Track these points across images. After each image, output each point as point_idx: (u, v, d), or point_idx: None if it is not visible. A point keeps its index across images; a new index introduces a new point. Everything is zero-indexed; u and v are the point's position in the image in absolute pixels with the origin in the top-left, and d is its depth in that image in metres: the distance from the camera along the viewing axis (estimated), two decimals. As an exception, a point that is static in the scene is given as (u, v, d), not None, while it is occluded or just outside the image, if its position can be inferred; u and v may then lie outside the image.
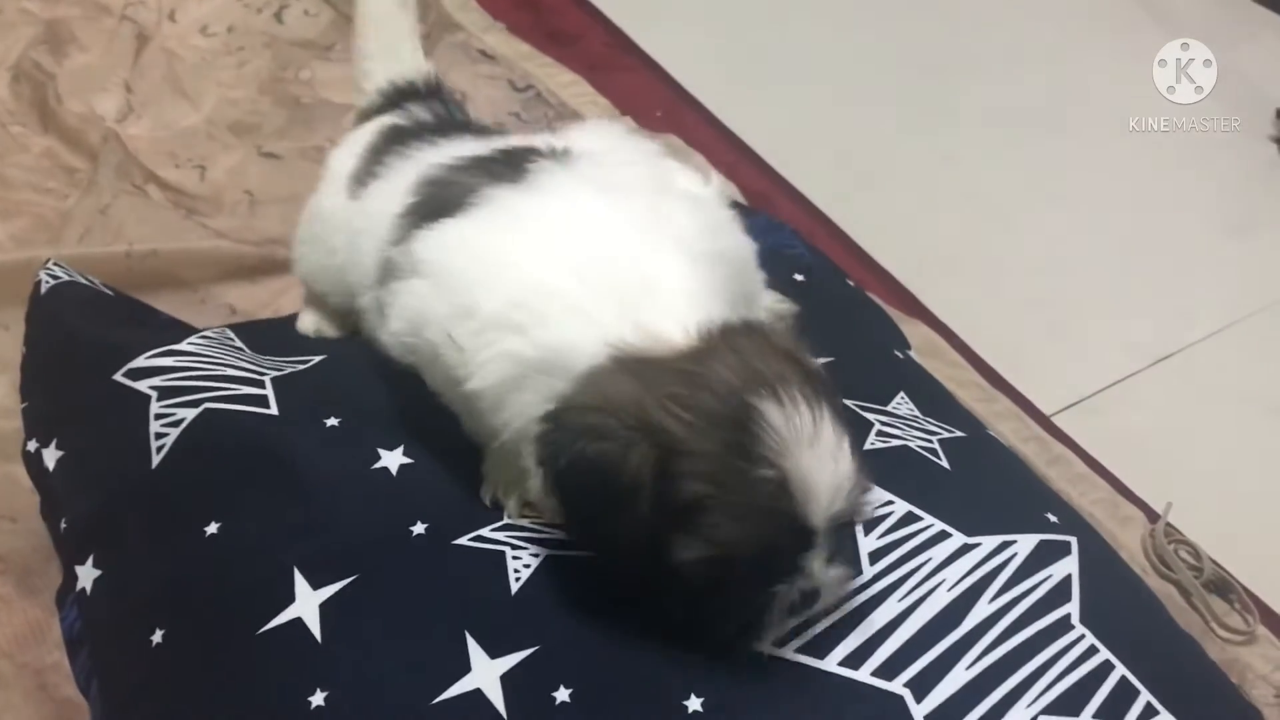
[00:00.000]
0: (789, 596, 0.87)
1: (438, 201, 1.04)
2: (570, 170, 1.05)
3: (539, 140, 1.11)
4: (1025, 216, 1.93)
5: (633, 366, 0.87)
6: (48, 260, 1.27)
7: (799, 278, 1.32)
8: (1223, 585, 1.38)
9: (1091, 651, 0.95)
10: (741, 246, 1.10)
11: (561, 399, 0.88)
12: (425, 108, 1.30)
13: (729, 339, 0.88)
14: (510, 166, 1.04)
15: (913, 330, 1.56)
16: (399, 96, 1.33)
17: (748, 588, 0.86)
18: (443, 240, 1.00)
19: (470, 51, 2.02)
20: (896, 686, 0.89)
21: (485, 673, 0.88)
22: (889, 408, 1.15)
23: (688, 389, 0.84)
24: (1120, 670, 0.94)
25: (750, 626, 0.88)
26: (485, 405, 0.94)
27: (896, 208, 1.90)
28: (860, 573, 0.94)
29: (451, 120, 1.29)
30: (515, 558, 0.95)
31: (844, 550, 0.90)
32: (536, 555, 0.95)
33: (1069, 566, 1.01)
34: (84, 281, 1.25)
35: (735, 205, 1.59)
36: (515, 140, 1.14)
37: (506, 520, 0.98)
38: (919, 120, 2.07)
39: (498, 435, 0.95)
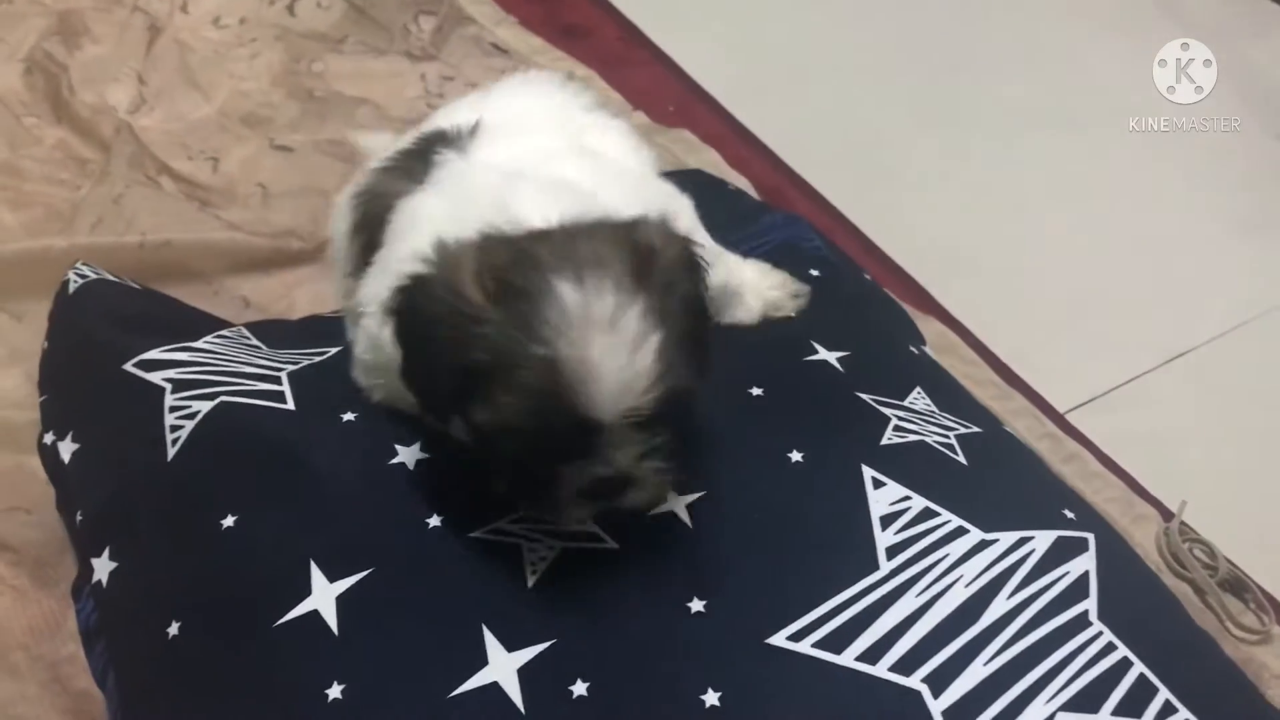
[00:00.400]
0: (580, 478, 0.87)
1: (369, 219, 1.09)
2: (468, 157, 1.07)
3: (453, 120, 1.14)
4: (1039, 214, 1.92)
5: (486, 241, 0.89)
6: (77, 262, 1.28)
7: (815, 272, 1.32)
8: (1238, 584, 1.37)
9: (1110, 648, 0.95)
10: (654, 198, 1.06)
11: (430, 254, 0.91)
12: None
13: (585, 227, 0.89)
14: (422, 161, 1.08)
15: (927, 327, 1.55)
16: None
17: (535, 462, 0.87)
18: (371, 275, 1.04)
19: (483, 45, 2.02)
20: (914, 682, 0.89)
21: (502, 666, 0.88)
22: (905, 402, 1.15)
23: (508, 262, 0.86)
24: (1139, 667, 0.94)
25: (548, 501, 0.89)
26: None
27: (910, 204, 1.90)
28: (678, 469, 0.92)
29: None
30: (532, 550, 0.95)
31: (659, 447, 0.88)
32: (553, 548, 0.95)
33: (1086, 563, 1.01)
34: (112, 279, 1.25)
35: (754, 200, 1.60)
36: (437, 121, 1.17)
37: (521, 512, 0.98)
38: (934, 117, 2.07)
39: None
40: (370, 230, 1.08)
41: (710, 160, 1.84)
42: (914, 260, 1.78)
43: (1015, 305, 1.75)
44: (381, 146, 1.42)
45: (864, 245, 1.79)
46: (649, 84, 2.03)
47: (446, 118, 1.17)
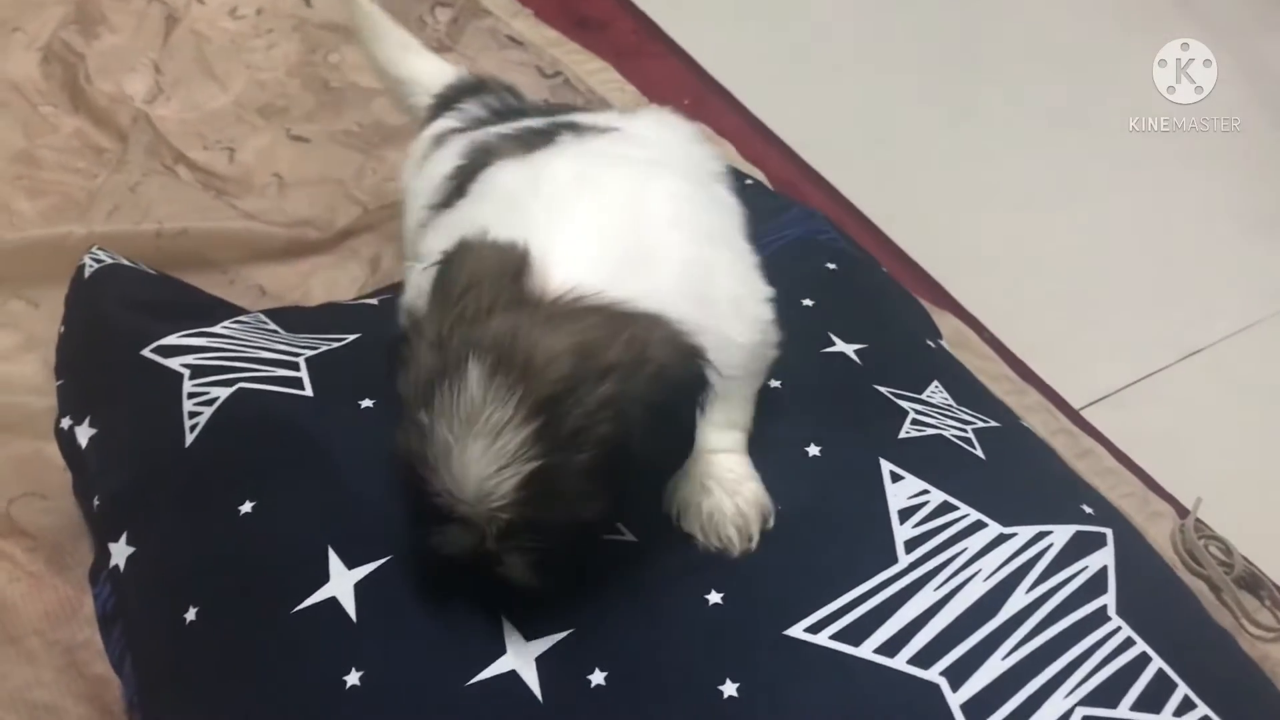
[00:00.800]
0: (446, 540, 0.84)
1: (470, 169, 1.08)
2: (581, 140, 1.07)
3: (599, 119, 1.14)
4: (1055, 210, 1.91)
5: (500, 270, 0.86)
6: (93, 246, 1.28)
7: (831, 265, 1.32)
8: (1253, 581, 1.36)
9: (1129, 643, 0.94)
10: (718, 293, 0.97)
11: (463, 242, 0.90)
12: (478, 101, 1.32)
13: (570, 313, 0.84)
14: (544, 138, 1.07)
15: (942, 321, 1.55)
16: (449, 99, 1.36)
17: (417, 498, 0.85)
18: (439, 229, 1.03)
19: (499, 37, 2.02)
20: (933, 675, 0.89)
21: (520, 654, 0.89)
22: (923, 396, 1.15)
23: (472, 314, 0.84)
24: (1157, 663, 0.94)
25: (424, 533, 0.86)
26: None
27: (925, 199, 1.89)
28: (550, 577, 0.87)
29: (513, 109, 1.30)
30: (549, 540, 0.94)
31: (525, 542, 0.84)
32: (571, 537, 0.94)
33: (1105, 558, 1.01)
34: (127, 264, 1.25)
35: (773, 194, 1.59)
36: (578, 117, 1.17)
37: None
38: (949, 112, 2.06)
39: None
40: (466, 177, 1.07)
41: (725, 154, 1.83)
42: (929, 255, 1.77)
43: (1030, 301, 1.75)
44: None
45: (879, 240, 1.78)
46: (664, 77, 2.03)
47: (588, 116, 1.17)
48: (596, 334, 0.84)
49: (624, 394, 0.83)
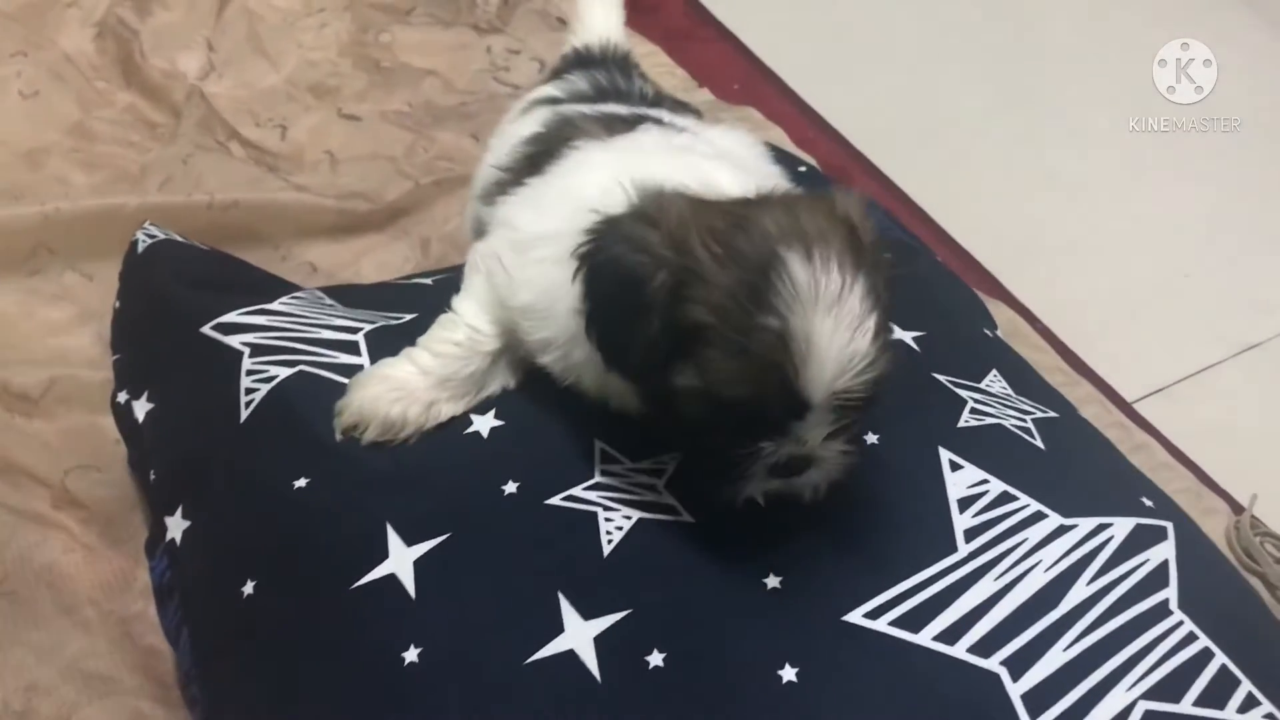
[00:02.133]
0: (774, 456, 0.86)
1: (549, 139, 1.10)
2: (663, 132, 1.08)
3: (681, 120, 1.17)
4: (1109, 202, 1.90)
5: (691, 199, 0.88)
6: (145, 222, 1.28)
7: (885, 254, 1.30)
8: (1309, 580, 1.35)
9: (1191, 638, 0.93)
10: None
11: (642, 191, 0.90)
12: (586, 76, 1.32)
13: (785, 198, 0.89)
14: (626, 125, 1.08)
15: (995, 312, 1.53)
16: (573, 63, 1.38)
17: (733, 432, 0.86)
18: (544, 207, 1.03)
19: (549, 19, 2.01)
20: (993, 664, 0.89)
21: (578, 634, 0.88)
22: (982, 385, 1.13)
23: (727, 226, 0.85)
24: (1220, 658, 0.92)
25: (733, 474, 0.87)
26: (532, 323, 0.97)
27: (978, 188, 1.88)
28: (861, 453, 0.91)
29: (615, 90, 1.30)
30: (608, 519, 0.94)
31: (849, 428, 0.87)
32: (629, 517, 0.94)
33: (1166, 551, 1.00)
34: (180, 240, 1.25)
35: (826, 181, 1.58)
36: (664, 115, 1.18)
37: (597, 480, 0.97)
38: (1003, 101, 2.05)
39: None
40: (544, 147, 1.09)
41: (776, 139, 1.82)
42: (981, 245, 1.76)
43: (1083, 293, 1.74)
44: None
45: (930, 229, 1.78)
46: (714, 61, 2.02)
47: (673, 116, 1.19)
48: (830, 205, 0.88)
49: (875, 240, 0.90)
